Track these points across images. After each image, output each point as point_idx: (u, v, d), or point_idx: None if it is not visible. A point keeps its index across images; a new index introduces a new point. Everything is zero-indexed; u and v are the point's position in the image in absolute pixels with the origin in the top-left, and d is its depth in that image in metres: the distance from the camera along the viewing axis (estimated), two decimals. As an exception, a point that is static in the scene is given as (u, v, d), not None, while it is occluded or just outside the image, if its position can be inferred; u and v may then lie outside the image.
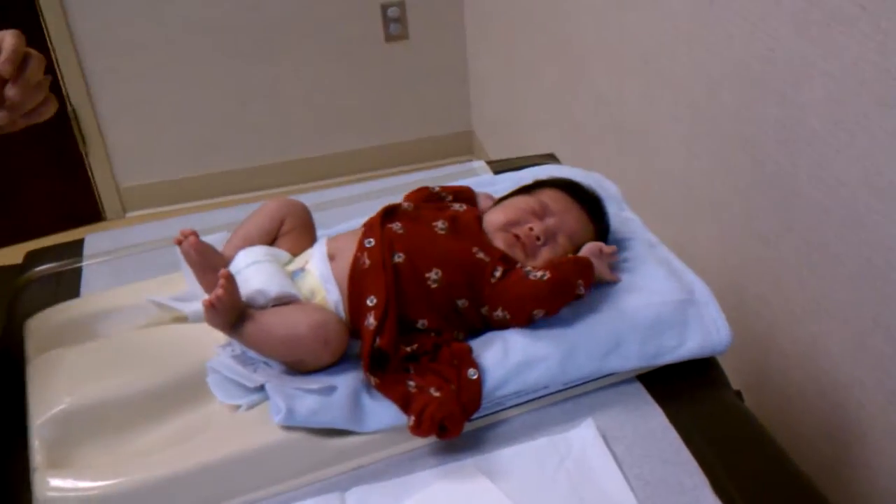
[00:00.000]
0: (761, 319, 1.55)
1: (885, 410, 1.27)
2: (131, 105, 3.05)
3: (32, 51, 0.95)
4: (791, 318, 1.46)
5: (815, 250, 1.36)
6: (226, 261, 1.10)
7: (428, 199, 1.25)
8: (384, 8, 3.13)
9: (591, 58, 2.14)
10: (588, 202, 1.20)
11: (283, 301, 1.04)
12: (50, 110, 0.99)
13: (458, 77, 3.38)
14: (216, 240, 1.12)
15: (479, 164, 1.51)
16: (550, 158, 1.56)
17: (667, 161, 1.80)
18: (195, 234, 1.08)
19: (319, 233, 1.20)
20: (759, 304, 1.55)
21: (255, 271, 1.05)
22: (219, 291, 0.98)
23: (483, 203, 1.27)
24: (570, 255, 1.13)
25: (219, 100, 3.13)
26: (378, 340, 1.02)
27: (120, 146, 3.11)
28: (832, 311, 1.35)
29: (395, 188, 1.42)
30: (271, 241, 1.14)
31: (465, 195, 1.27)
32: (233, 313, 1.00)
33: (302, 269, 1.09)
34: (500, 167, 1.50)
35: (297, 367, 1.04)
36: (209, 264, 1.08)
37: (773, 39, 1.35)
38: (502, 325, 1.09)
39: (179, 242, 1.07)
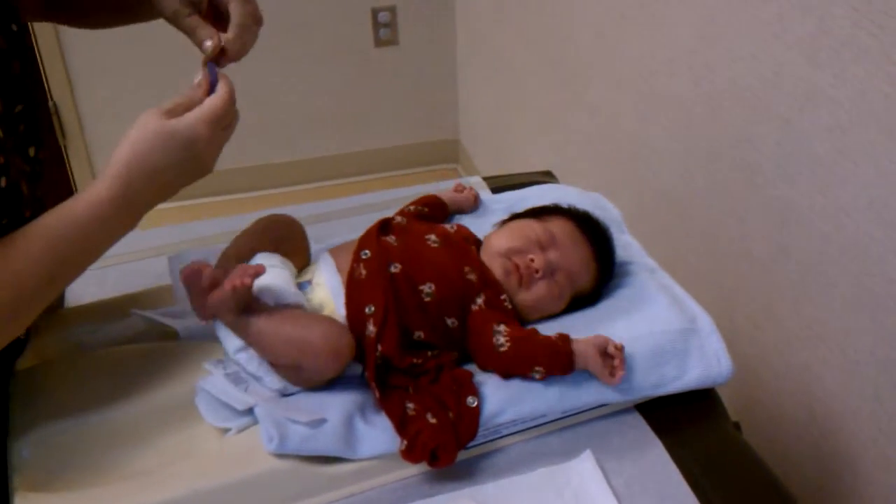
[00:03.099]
0: (753, 343, 1.53)
1: (878, 441, 1.26)
2: (114, 102, 3.00)
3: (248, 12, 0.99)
4: (784, 344, 1.45)
5: (811, 277, 1.35)
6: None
7: (430, 204, 1.26)
8: (375, 12, 3.11)
9: (585, 71, 2.13)
10: (597, 240, 1.17)
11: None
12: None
13: (447, 85, 3.36)
14: (211, 253, 1.08)
15: (476, 180, 1.48)
16: (548, 176, 1.54)
17: (661, 179, 1.79)
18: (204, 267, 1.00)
19: (313, 247, 1.17)
20: (751, 328, 1.53)
21: (271, 275, 1.03)
22: (246, 280, 0.94)
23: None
24: (557, 335, 1.04)
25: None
26: (380, 347, 1.00)
27: (100, 143, 3.06)
28: (827, 339, 1.34)
29: (390, 202, 1.40)
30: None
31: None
32: (242, 305, 0.97)
33: (309, 282, 1.07)
34: (496, 183, 1.48)
35: (294, 374, 1.00)
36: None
37: (778, 63, 1.33)
38: None
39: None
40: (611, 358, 1.02)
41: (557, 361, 1.02)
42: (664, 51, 1.69)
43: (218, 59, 0.98)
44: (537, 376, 1.02)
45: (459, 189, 1.35)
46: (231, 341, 1.00)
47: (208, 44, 0.97)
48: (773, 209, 1.41)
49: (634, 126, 1.89)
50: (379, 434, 0.97)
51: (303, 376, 1.00)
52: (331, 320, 1.02)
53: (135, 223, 0.92)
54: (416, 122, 3.42)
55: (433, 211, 1.27)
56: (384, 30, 3.16)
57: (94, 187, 0.88)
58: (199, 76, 0.95)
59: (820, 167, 1.28)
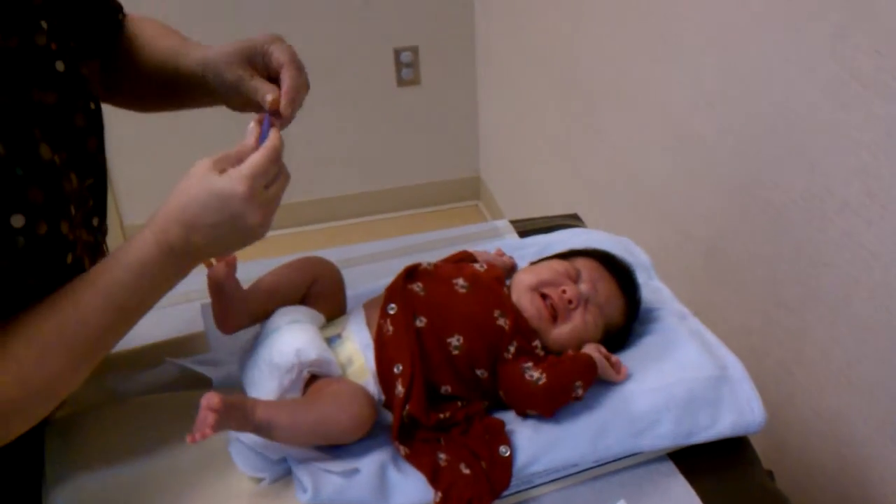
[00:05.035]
0: (782, 387, 1.52)
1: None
2: (139, 143, 3.02)
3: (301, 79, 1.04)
4: (814, 389, 1.44)
5: (841, 322, 1.34)
6: (248, 306, 1.07)
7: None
8: (397, 53, 3.14)
9: (607, 111, 2.14)
10: (621, 276, 1.18)
11: (320, 367, 1.01)
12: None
13: (468, 123, 3.38)
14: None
15: (503, 224, 1.49)
16: (574, 219, 1.54)
17: (686, 220, 1.79)
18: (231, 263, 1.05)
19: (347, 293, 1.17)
20: (781, 371, 1.52)
21: (295, 331, 1.03)
22: (206, 431, 0.87)
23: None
24: (571, 353, 1.08)
25: (227, 139, 3.10)
26: (407, 407, 1.00)
27: (126, 183, 3.09)
28: (859, 386, 1.32)
29: (420, 245, 1.40)
30: (300, 299, 1.11)
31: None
32: (232, 426, 0.93)
33: (339, 336, 1.07)
34: (524, 227, 1.48)
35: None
36: (230, 297, 1.05)
37: (805, 106, 1.33)
38: None
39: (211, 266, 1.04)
40: (606, 356, 1.08)
41: (588, 370, 1.05)
42: (688, 91, 1.69)
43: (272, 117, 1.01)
44: (580, 392, 1.03)
45: (500, 253, 1.31)
46: (265, 386, 1.00)
47: (269, 97, 1.00)
48: (802, 252, 1.40)
49: (659, 166, 1.89)
50: (412, 484, 0.97)
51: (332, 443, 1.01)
52: (352, 399, 0.99)
53: (182, 274, 0.93)
54: (437, 160, 3.44)
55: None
56: (406, 70, 3.19)
57: (141, 235, 0.90)
58: (251, 127, 0.97)
59: (848, 211, 1.28)
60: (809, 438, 1.46)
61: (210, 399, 0.88)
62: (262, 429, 0.94)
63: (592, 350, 1.08)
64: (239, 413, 0.92)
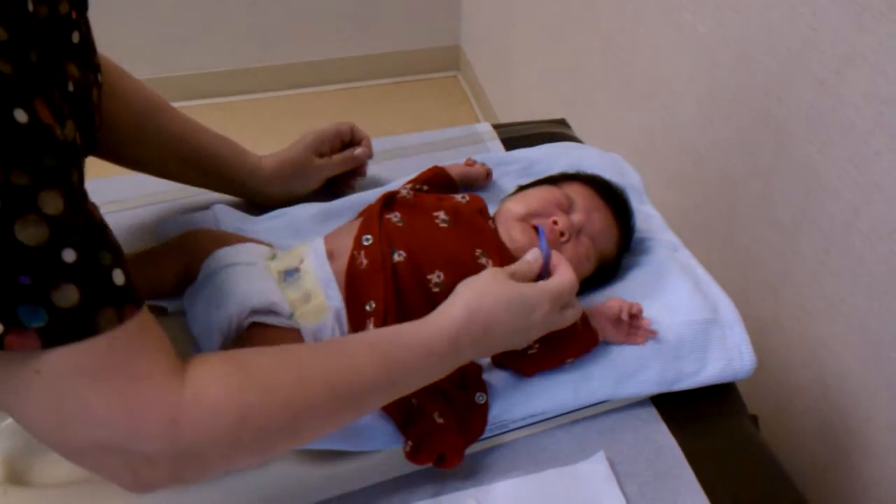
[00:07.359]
0: (766, 307, 1.48)
1: (894, 427, 1.22)
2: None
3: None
4: (800, 314, 1.39)
5: (835, 249, 1.28)
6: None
7: (436, 182, 1.15)
8: None
9: (601, -4, 2.00)
10: (616, 204, 1.10)
11: (264, 311, 0.93)
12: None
13: (451, -12, 3.22)
14: (202, 221, 1.00)
15: (485, 129, 1.39)
16: (562, 125, 1.45)
17: (679, 123, 1.70)
18: None
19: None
20: (766, 291, 1.47)
21: (233, 274, 0.94)
22: None
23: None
24: (579, 325, 0.99)
25: (194, -4, 2.94)
26: None
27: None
28: (848, 316, 1.28)
29: (396, 151, 1.31)
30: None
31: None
32: None
33: (297, 270, 0.99)
34: (507, 133, 1.39)
35: None
36: None
37: (816, 18, 1.23)
38: None
39: None
40: (628, 322, 1.00)
41: (586, 346, 0.99)
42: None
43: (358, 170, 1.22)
44: (567, 363, 0.98)
45: (470, 163, 1.24)
46: (208, 343, 0.93)
47: (358, 151, 1.20)
48: (800, 173, 1.33)
49: (651, 60, 1.78)
50: (381, 427, 0.91)
51: None
52: None
53: (447, 368, 0.86)
54: (416, 26, 3.28)
55: (437, 190, 1.17)
56: (386, -73, 3.00)
57: (438, 327, 0.85)
58: (534, 253, 0.95)
59: (854, 136, 1.20)
60: (791, 362, 1.43)
61: None
62: None
63: (605, 320, 1.01)
64: None
